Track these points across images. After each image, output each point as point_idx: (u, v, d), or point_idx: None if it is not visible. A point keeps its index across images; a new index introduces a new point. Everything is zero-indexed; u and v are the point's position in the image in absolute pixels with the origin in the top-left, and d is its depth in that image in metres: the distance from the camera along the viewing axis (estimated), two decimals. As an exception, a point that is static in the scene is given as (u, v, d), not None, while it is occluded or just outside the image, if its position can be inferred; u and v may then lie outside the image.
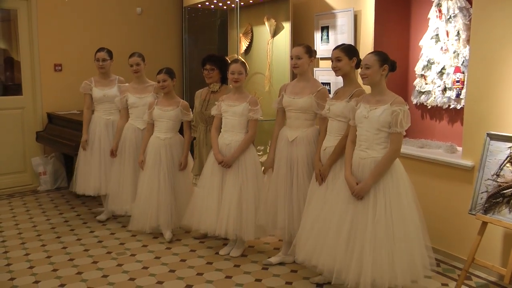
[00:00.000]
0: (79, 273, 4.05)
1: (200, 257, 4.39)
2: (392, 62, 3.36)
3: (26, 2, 6.37)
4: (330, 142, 3.67)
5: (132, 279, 3.93)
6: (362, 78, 3.35)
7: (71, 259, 4.32)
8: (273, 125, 4.20)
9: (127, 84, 5.19)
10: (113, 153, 5.05)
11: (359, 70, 3.41)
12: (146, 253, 4.45)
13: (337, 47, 3.70)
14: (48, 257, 4.38)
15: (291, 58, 3.98)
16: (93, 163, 5.15)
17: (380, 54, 3.34)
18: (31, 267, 4.18)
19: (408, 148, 4.54)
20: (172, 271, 4.09)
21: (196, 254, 4.45)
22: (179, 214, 4.66)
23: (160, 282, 3.88)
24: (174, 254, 4.45)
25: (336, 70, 3.66)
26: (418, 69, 4.78)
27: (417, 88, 4.81)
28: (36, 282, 3.91)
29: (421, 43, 4.76)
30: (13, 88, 6.67)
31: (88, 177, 5.16)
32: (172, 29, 7.42)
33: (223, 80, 4.57)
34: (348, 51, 3.65)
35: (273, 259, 4.21)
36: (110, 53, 5.22)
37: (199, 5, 6.82)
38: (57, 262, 4.26)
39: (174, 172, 4.70)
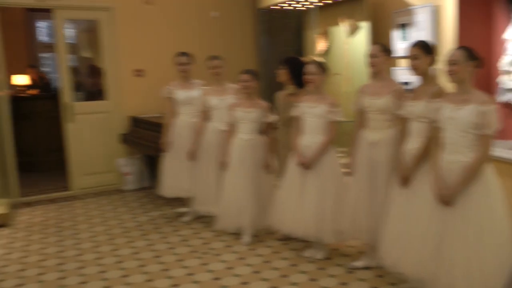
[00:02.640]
0: (165, 270, 4.16)
1: (283, 258, 4.37)
2: (479, 58, 3.21)
3: (106, 13, 6.63)
4: (412, 144, 3.55)
5: (217, 279, 3.98)
6: (449, 75, 3.20)
7: (157, 256, 4.45)
8: (354, 127, 4.15)
9: (208, 87, 5.24)
10: (191, 155, 5.13)
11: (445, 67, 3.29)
12: (230, 253, 4.49)
13: (413, 44, 3.60)
14: (135, 253, 4.54)
15: (368, 57, 3.94)
16: (182, 165, 5.22)
17: (468, 50, 3.19)
18: (119, 262, 4.35)
19: (498, 150, 4.35)
20: (256, 272, 4.11)
21: (279, 255, 4.44)
22: (262, 215, 4.67)
23: (244, 283, 3.90)
24: (258, 255, 4.45)
25: (414, 68, 3.56)
26: (503, 65, 4.55)
27: (503, 85, 4.61)
28: (124, 276, 4.07)
29: (505, 36, 4.55)
30: (98, 93, 6.96)
31: (177, 180, 5.25)
32: (247, 32, 7.46)
33: (301, 82, 4.56)
34: (425, 47, 3.54)
35: (358, 263, 4.13)
36: (190, 57, 5.33)
37: (275, 6, 6.82)
38: (144, 259, 4.40)
39: (257, 173, 4.72)
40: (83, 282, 4.02)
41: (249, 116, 4.71)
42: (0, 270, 4.36)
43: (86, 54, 7.93)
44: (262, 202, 4.69)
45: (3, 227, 5.43)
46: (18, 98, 7.73)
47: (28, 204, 6.28)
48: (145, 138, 6.21)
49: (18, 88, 8.73)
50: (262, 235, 4.86)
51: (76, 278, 4.11)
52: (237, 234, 4.83)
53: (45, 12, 6.85)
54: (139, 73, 6.85)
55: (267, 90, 7.01)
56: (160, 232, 5.10)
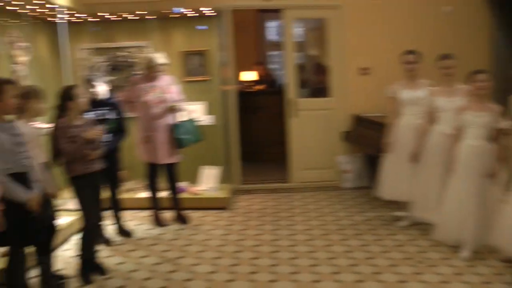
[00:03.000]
0: (377, 273, 4.10)
1: (505, 283, 3.93)
2: None
3: (334, 11, 6.72)
4: None
5: (429, 291, 3.79)
6: None
7: (369, 258, 4.41)
8: None
9: (436, 87, 4.95)
10: (413, 158, 4.93)
11: None
12: (446, 267, 4.22)
13: None
14: (348, 252, 4.56)
15: None
16: (403, 168, 5.05)
17: None
18: (331, 258, 4.42)
19: None
20: (473, 292, 3.80)
21: (501, 278, 4.01)
22: (485, 230, 4.25)
23: (459, 301, 3.64)
24: (477, 273, 4.09)
25: None
26: None
27: None
28: (335, 273, 4.11)
29: None
30: (322, 91, 7.09)
31: (396, 183, 5.11)
32: (480, 27, 6.86)
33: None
34: None
35: None
36: (418, 55, 5.12)
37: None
38: (356, 258, 4.41)
39: (484, 184, 4.33)
40: (295, 272, 4.17)
41: (479, 121, 4.35)
42: (219, 248, 4.77)
43: (312, 52, 8.17)
44: (487, 216, 4.28)
45: (224, 210, 5.92)
46: (245, 93, 8.32)
47: (248, 192, 6.73)
48: (367, 137, 6.17)
49: (245, 83, 9.38)
50: (483, 252, 4.43)
51: (288, 267, 4.28)
52: (455, 247, 4.51)
53: (275, 13, 7.23)
54: (364, 71, 6.83)
55: (500, 92, 6.39)
56: (375, 233, 5.03)
